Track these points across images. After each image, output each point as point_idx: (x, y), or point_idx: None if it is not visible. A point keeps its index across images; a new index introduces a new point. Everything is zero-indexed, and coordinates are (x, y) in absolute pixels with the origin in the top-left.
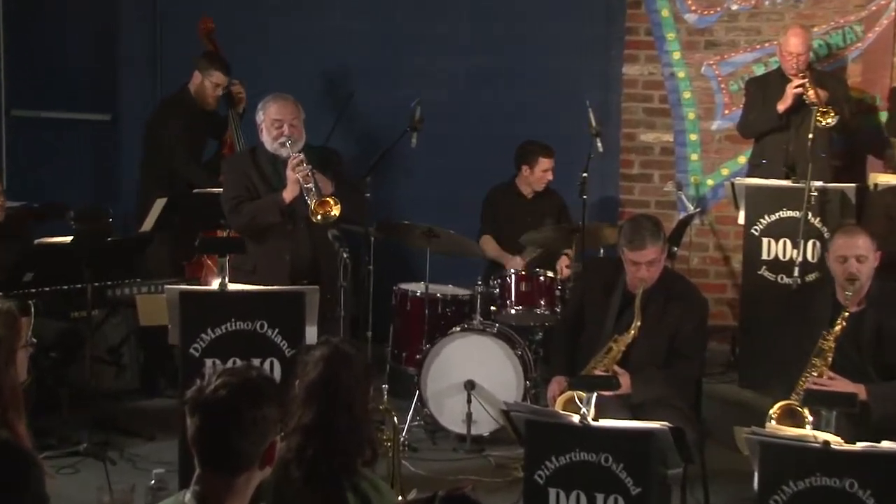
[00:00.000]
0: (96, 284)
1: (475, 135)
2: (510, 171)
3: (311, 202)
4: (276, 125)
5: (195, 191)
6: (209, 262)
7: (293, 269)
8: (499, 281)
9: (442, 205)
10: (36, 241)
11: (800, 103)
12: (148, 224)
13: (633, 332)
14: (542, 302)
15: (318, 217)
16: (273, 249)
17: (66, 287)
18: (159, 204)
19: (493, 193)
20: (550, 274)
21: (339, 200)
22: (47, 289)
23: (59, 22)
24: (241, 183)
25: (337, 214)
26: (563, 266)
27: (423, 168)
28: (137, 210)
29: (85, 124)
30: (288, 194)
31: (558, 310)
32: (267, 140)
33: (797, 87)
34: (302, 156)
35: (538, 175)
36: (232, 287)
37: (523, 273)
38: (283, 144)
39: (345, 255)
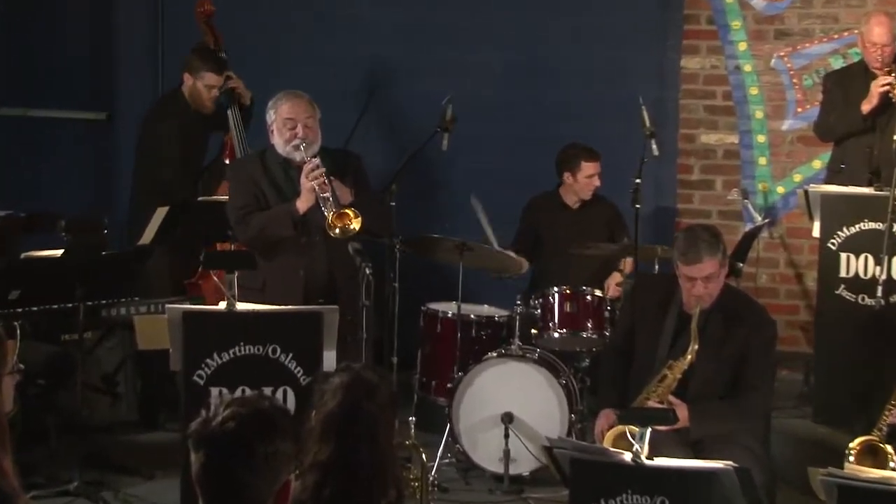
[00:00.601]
0: (89, 303)
1: (514, 136)
2: (553, 178)
3: (328, 214)
4: (288, 125)
5: (199, 199)
6: (215, 279)
7: (307, 286)
8: (540, 301)
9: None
10: (23, 255)
11: (886, 102)
12: (147, 236)
13: (689, 357)
14: (590, 324)
15: (336, 231)
16: (285, 265)
17: (56, 306)
18: (160, 214)
19: (533, 204)
20: (599, 293)
21: (359, 212)
22: (35, 308)
23: (49, 11)
24: (248, 191)
25: (357, 228)
26: (613, 284)
27: (454, 174)
28: (131, 221)
29: (78, 124)
30: (302, 204)
31: (607, 333)
32: (278, 142)
33: (883, 86)
34: (318, 161)
35: (582, 182)
36: (241, 307)
37: (568, 292)
38: (296, 147)
39: (367, 271)
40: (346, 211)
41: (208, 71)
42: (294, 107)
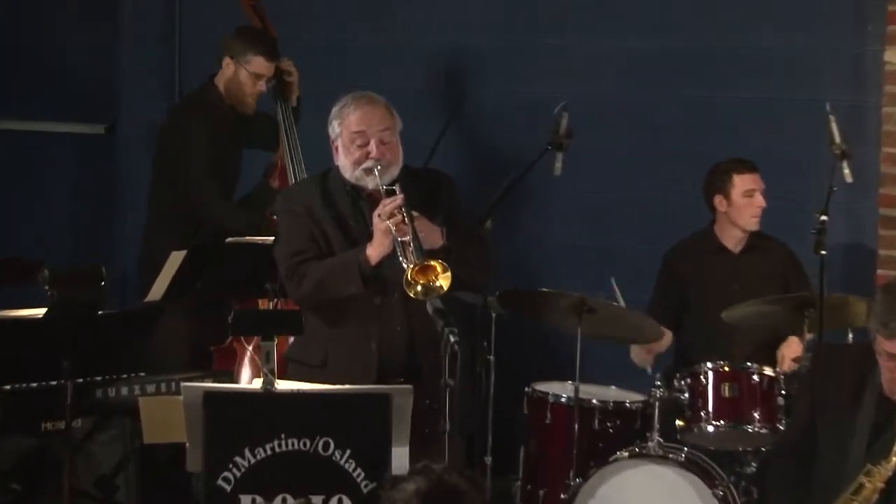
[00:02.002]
0: (80, 381)
1: (651, 156)
2: (706, 213)
3: (408, 266)
4: (357, 141)
5: (228, 240)
6: (248, 349)
7: (383, 363)
8: (689, 381)
9: (601, 263)
10: None
11: None
12: (158, 290)
13: (894, 460)
14: (757, 414)
15: (418, 289)
16: (353, 334)
17: (34, 385)
18: (175, 260)
19: (678, 250)
20: (769, 371)
21: (454, 260)
22: (7, 387)
23: (37, 3)
24: (304, 230)
25: (445, 287)
26: (790, 357)
27: (571, 206)
28: (141, 267)
29: (70, 139)
30: (374, 251)
31: (781, 426)
32: (345, 164)
33: None
34: (399, 196)
35: (740, 203)
36: (282, 386)
37: (726, 369)
38: (368, 171)
39: (451, 339)
40: (433, 263)
41: (257, 55)
42: (365, 116)
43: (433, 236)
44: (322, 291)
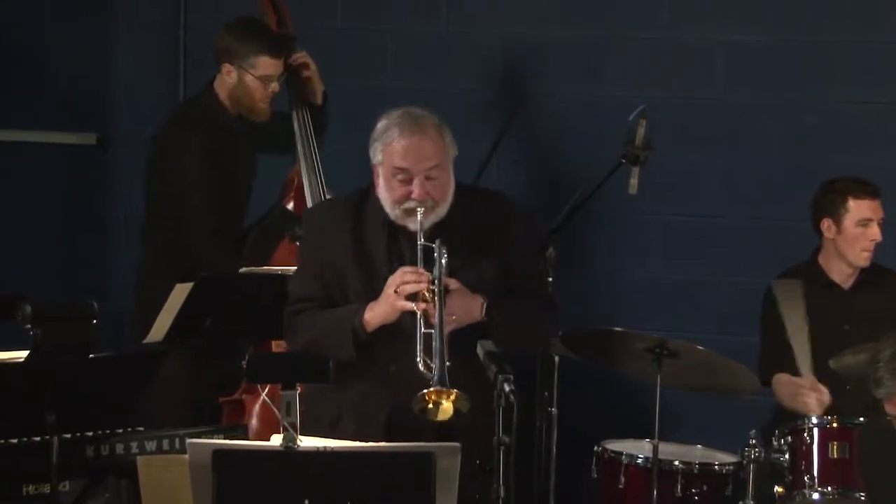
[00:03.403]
0: (67, 437)
1: (750, 173)
2: (813, 241)
3: (427, 391)
4: (400, 177)
5: (241, 271)
6: (266, 399)
7: (392, 429)
8: (790, 439)
9: (685, 299)
10: None
11: None
12: (159, 330)
13: None
14: None
15: (420, 406)
16: (362, 396)
17: (14, 441)
18: (179, 293)
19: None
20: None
21: (467, 398)
22: None
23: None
24: (313, 269)
25: (449, 414)
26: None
27: (649, 231)
28: (139, 302)
29: (56, 150)
30: (374, 318)
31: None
32: (385, 197)
33: None
34: (425, 275)
35: (851, 233)
36: (306, 443)
37: (835, 426)
38: (407, 212)
39: (506, 388)
40: (448, 391)
41: (260, 54)
42: (411, 150)
43: (468, 314)
44: (314, 350)
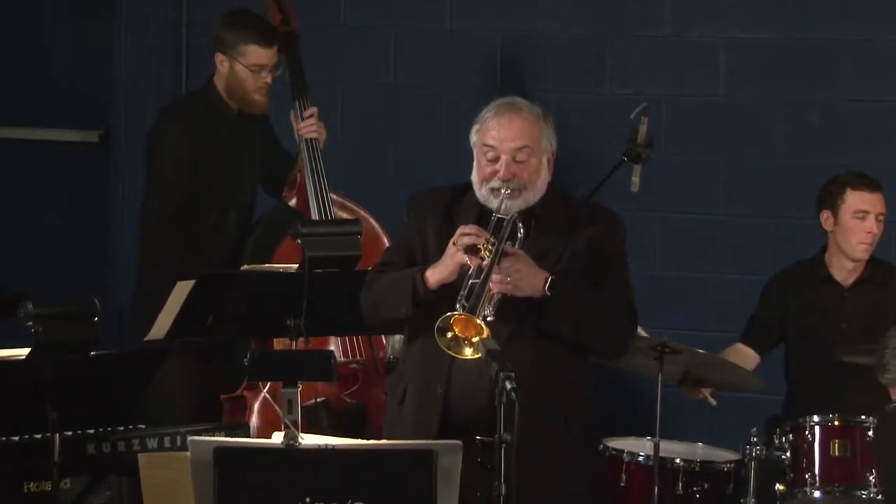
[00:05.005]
0: (69, 434)
1: (756, 171)
2: (820, 239)
3: (458, 308)
4: (489, 155)
5: (243, 268)
6: (267, 397)
7: (448, 413)
8: (791, 438)
9: (688, 297)
10: None
11: None
12: (160, 328)
13: None
14: (872, 478)
15: (447, 336)
16: (419, 373)
17: (15, 439)
18: (181, 291)
19: (780, 281)
20: None
21: (487, 333)
22: None
23: None
24: (404, 242)
25: (470, 356)
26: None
27: (651, 229)
28: (137, 301)
29: (59, 148)
30: (434, 273)
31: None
32: (475, 178)
33: None
34: (480, 231)
35: (848, 225)
36: (308, 441)
37: (836, 424)
38: (493, 192)
39: (508, 386)
40: (479, 322)
41: (249, 42)
42: (501, 128)
43: (527, 281)
44: (376, 310)
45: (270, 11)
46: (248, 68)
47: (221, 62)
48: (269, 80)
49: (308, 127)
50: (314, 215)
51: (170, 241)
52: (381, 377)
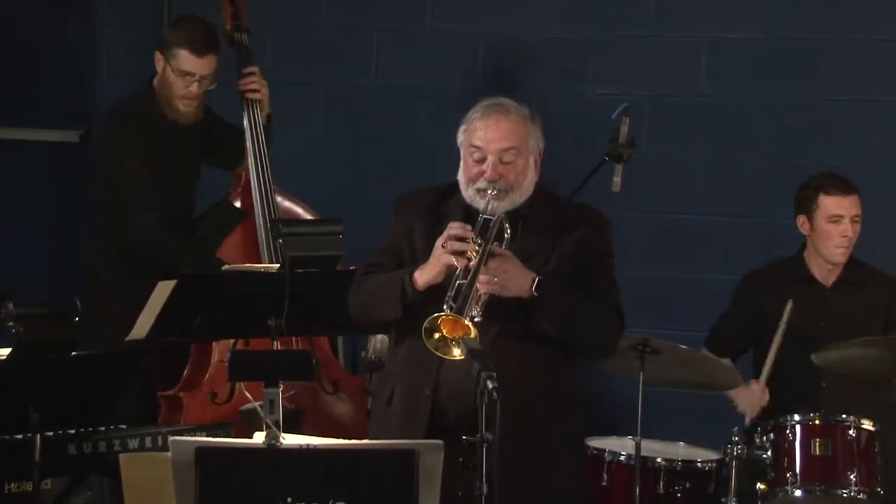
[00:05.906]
0: (50, 434)
1: (736, 170)
2: (797, 236)
3: (445, 309)
4: (476, 156)
5: (224, 268)
6: (248, 396)
7: (436, 412)
8: (772, 437)
9: (669, 296)
10: None
11: None
12: (141, 328)
13: None
14: (853, 476)
15: (435, 337)
16: (407, 375)
17: None
18: (163, 291)
19: (755, 279)
20: (868, 424)
21: (475, 333)
22: None
23: None
24: (392, 242)
25: (458, 356)
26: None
27: (633, 228)
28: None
29: (39, 148)
30: (422, 274)
31: (881, 490)
32: (461, 179)
33: None
34: (467, 229)
35: (823, 230)
36: (289, 441)
37: (817, 423)
38: (479, 193)
39: (489, 386)
40: (466, 323)
41: (181, 47)
42: (488, 129)
43: (514, 281)
44: (365, 311)
45: (223, 8)
46: (175, 72)
47: (158, 61)
48: (195, 89)
49: (249, 83)
50: (255, 191)
51: (175, 247)
52: (320, 379)
